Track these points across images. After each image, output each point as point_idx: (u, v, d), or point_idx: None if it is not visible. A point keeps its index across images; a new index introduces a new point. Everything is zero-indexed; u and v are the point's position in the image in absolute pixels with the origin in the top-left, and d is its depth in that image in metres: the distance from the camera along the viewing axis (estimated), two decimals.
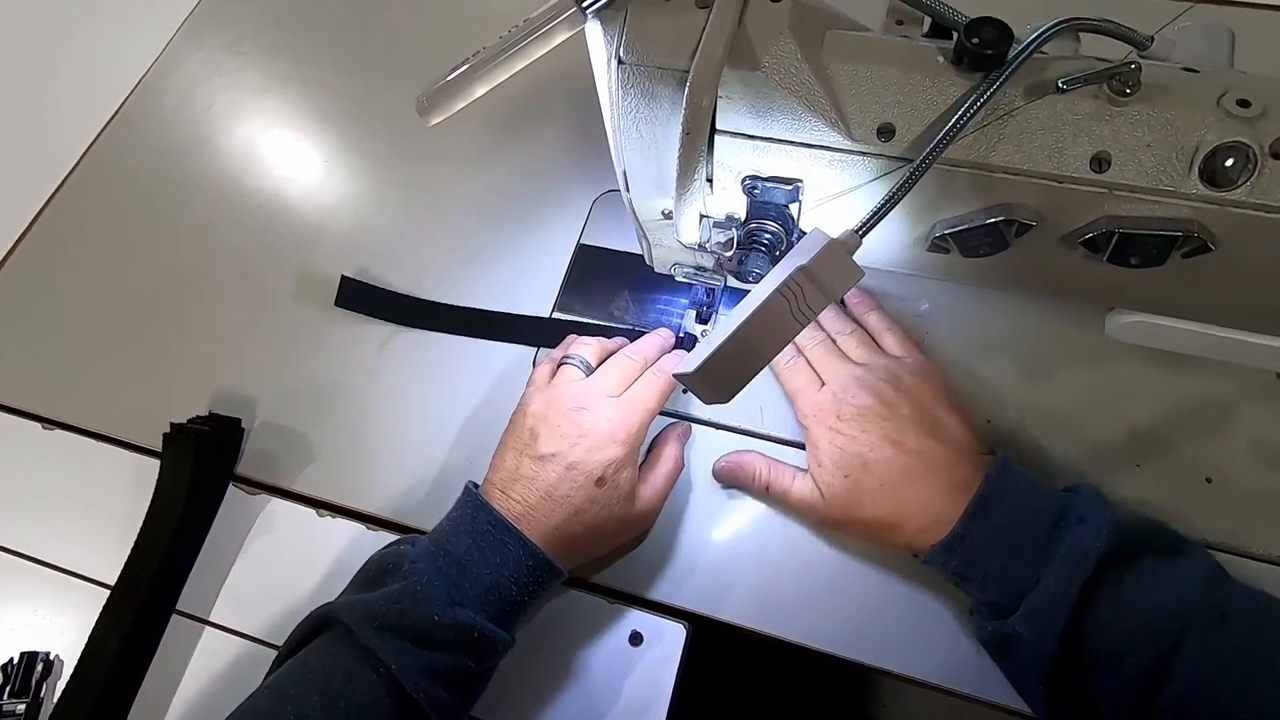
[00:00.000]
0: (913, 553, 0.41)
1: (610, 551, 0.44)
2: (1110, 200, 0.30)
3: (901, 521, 0.39)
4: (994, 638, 0.38)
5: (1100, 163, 0.29)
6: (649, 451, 0.46)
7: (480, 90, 0.32)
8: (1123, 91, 0.28)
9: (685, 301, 0.52)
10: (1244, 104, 0.28)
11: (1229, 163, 0.28)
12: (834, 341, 0.46)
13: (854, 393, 0.42)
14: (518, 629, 0.39)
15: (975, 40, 0.29)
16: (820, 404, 0.43)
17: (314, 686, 0.34)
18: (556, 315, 0.52)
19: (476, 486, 0.41)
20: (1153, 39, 0.33)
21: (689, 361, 0.31)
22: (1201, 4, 0.58)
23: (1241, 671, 0.32)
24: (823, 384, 0.44)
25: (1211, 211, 0.29)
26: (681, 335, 0.49)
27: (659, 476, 0.44)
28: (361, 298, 0.54)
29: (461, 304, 0.53)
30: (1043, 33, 0.29)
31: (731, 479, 0.46)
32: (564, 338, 0.48)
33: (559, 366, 0.45)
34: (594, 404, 0.41)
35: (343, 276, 0.54)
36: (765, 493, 0.45)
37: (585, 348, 0.45)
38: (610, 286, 0.53)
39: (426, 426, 0.50)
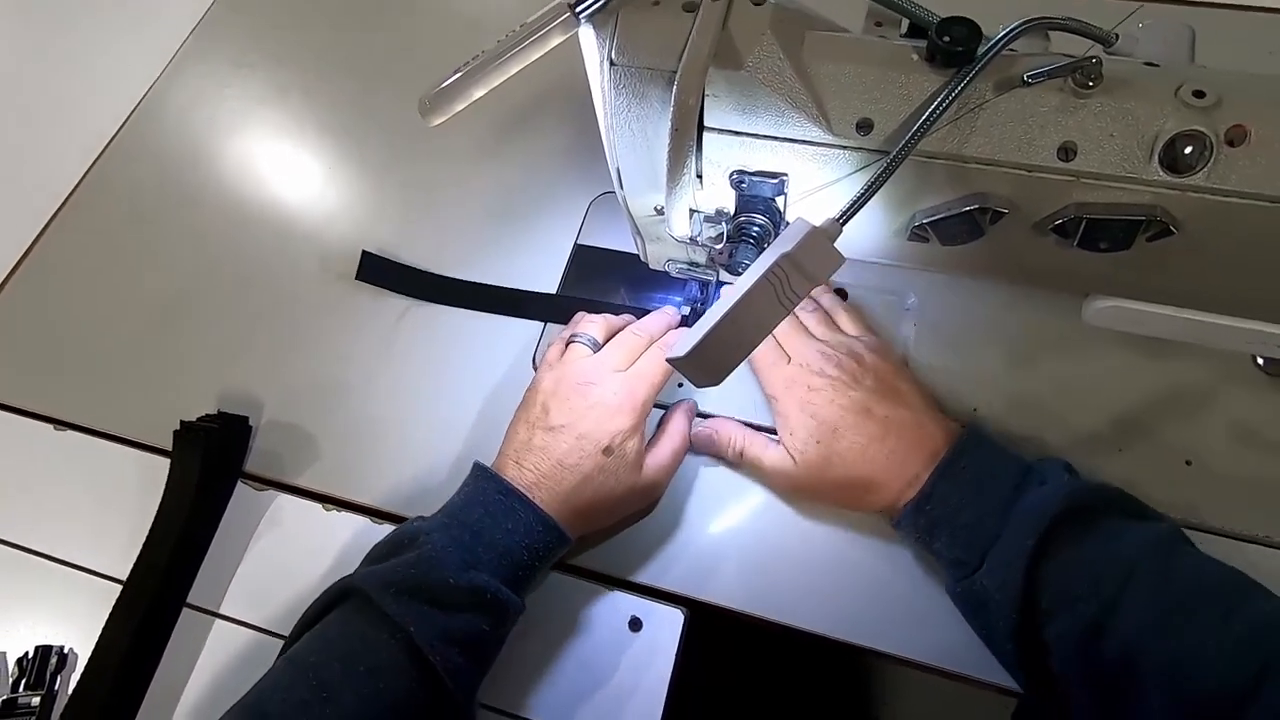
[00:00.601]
0: (888, 517, 0.43)
1: (617, 523, 0.46)
2: (1078, 187, 0.31)
3: (872, 482, 0.41)
4: (963, 595, 0.40)
5: (1067, 152, 0.31)
6: (657, 428, 0.47)
7: (479, 92, 0.33)
8: (1085, 84, 0.30)
9: (680, 299, 0.53)
10: (1199, 95, 0.29)
11: (1187, 150, 0.29)
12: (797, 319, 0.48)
13: (821, 365, 0.44)
14: (527, 595, 0.41)
15: (946, 38, 0.31)
16: (790, 376, 0.45)
17: (333, 654, 0.35)
18: None
19: (484, 465, 0.43)
20: (1117, 36, 0.35)
21: (680, 346, 0.32)
22: (1155, 3, 0.60)
23: (1178, 626, 0.33)
24: (789, 358, 0.46)
25: (1172, 196, 0.30)
26: (686, 313, 0.51)
27: (665, 449, 0.45)
28: (380, 272, 0.56)
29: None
30: (1011, 31, 0.31)
31: (708, 445, 0.47)
32: (573, 313, 0.50)
33: (568, 345, 0.47)
34: (601, 379, 0.43)
35: (364, 251, 0.56)
36: (739, 459, 0.46)
37: (592, 325, 0.47)
38: (607, 285, 0.55)
39: (430, 422, 0.51)
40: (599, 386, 0.43)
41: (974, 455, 0.40)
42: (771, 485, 0.46)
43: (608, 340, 0.47)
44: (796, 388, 0.44)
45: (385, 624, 0.36)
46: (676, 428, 0.47)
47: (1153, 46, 0.34)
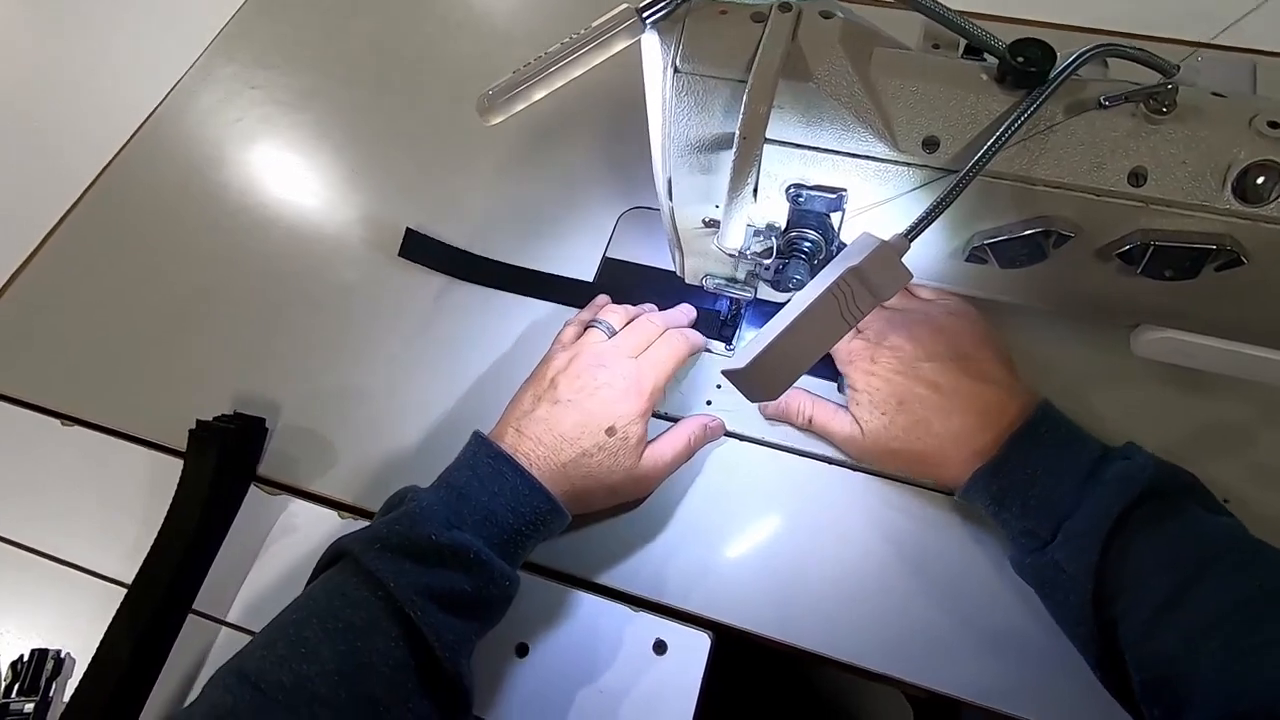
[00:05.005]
0: (949, 490, 0.42)
1: (606, 510, 0.46)
2: (1146, 214, 0.31)
3: (937, 455, 0.41)
4: (1032, 569, 0.39)
5: (1137, 178, 0.30)
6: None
7: (540, 94, 0.33)
8: (1159, 110, 0.30)
9: None
10: (1274, 125, 0.29)
11: (1260, 180, 0.29)
12: None
13: (888, 335, 0.44)
14: (517, 564, 0.40)
15: (1020, 59, 0.30)
16: (855, 349, 0.45)
17: (313, 611, 0.35)
18: None
19: (481, 432, 0.43)
20: (1179, 67, 0.35)
21: (738, 359, 0.31)
22: (1209, 48, 0.60)
23: (1254, 614, 0.32)
24: (859, 330, 0.45)
25: (1244, 226, 0.30)
26: (724, 317, 0.51)
27: (667, 446, 0.45)
28: (424, 250, 0.56)
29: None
30: (1081, 54, 0.31)
31: (778, 413, 0.48)
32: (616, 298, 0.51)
33: (586, 329, 0.47)
34: (613, 362, 0.44)
35: (407, 229, 0.56)
36: (809, 425, 0.47)
37: (613, 315, 0.48)
38: (634, 298, 0.54)
39: (449, 432, 0.50)
40: (610, 369, 0.43)
41: (1052, 426, 0.39)
42: (842, 450, 0.47)
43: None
44: (862, 360, 0.44)
45: (366, 581, 0.35)
46: (684, 430, 0.46)
47: (1214, 79, 0.34)
